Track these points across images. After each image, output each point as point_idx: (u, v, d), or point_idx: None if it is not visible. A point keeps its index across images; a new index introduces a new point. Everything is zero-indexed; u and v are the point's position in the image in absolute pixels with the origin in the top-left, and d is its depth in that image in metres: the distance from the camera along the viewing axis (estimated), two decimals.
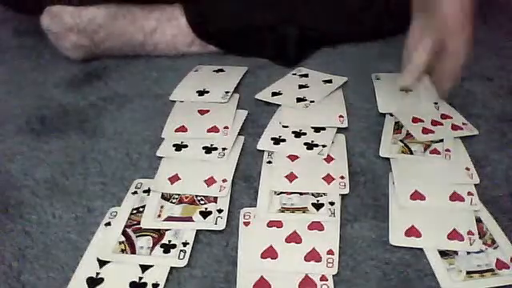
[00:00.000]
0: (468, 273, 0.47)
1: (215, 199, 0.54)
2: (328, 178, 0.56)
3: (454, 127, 0.64)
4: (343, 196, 0.55)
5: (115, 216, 0.53)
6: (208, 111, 0.67)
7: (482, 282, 0.46)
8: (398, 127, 0.64)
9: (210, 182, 0.56)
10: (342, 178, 0.56)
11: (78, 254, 0.49)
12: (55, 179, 0.58)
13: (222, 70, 0.77)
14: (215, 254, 0.49)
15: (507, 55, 0.80)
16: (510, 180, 0.57)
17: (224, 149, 0.60)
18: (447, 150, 0.60)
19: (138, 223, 0.52)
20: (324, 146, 0.60)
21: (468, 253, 0.49)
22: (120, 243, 0.50)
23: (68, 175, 0.59)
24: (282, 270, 0.47)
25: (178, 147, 0.61)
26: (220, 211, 0.53)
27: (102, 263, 0.48)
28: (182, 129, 0.64)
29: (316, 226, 0.51)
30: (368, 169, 0.59)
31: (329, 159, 0.59)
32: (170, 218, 0.52)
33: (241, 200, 0.55)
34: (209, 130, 0.63)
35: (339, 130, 0.64)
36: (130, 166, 0.60)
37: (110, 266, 0.48)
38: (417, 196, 0.54)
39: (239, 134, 0.64)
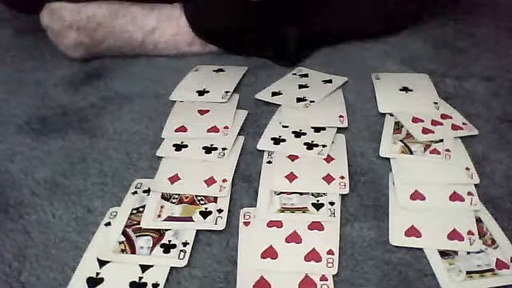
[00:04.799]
0: (468, 273, 0.47)
1: (215, 199, 0.54)
2: (328, 178, 0.56)
3: (454, 127, 0.64)
4: (343, 196, 0.55)
5: (115, 216, 0.53)
6: (208, 111, 0.67)
7: (482, 282, 0.46)
8: (398, 127, 0.64)
9: (210, 182, 0.56)
10: (342, 178, 0.56)
11: (78, 254, 0.49)
12: (55, 179, 0.58)
13: (221, 70, 0.77)
14: (215, 254, 0.49)
15: (507, 55, 0.80)
16: (510, 180, 0.57)
17: (224, 149, 0.60)
18: (447, 150, 0.60)
19: (138, 223, 0.52)
20: (324, 146, 0.60)
21: (468, 253, 0.49)
22: (120, 243, 0.50)
23: (68, 175, 0.59)
24: (282, 270, 0.47)
25: (178, 147, 0.61)
26: (220, 211, 0.53)
27: (101, 263, 0.48)
28: (182, 129, 0.64)
29: (316, 225, 0.51)
30: (368, 169, 0.59)
31: (329, 159, 0.59)
32: (169, 218, 0.52)
33: (241, 200, 0.55)
34: (209, 130, 0.63)
35: (339, 130, 0.64)
36: (130, 166, 0.60)
37: (109, 266, 0.48)
38: (417, 196, 0.54)
39: (239, 134, 0.64)
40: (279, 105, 0.68)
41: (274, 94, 0.71)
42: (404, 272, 0.47)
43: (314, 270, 0.47)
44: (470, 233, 0.50)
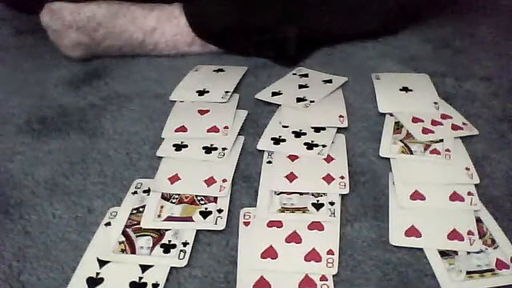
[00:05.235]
0: (468, 273, 0.47)
1: (215, 199, 0.54)
2: (328, 178, 0.56)
3: (454, 127, 0.64)
4: (343, 196, 0.55)
5: (115, 216, 0.53)
6: (208, 111, 0.67)
7: (481, 281, 0.46)
8: (398, 127, 0.64)
9: (210, 181, 0.56)
10: (342, 178, 0.56)
11: (78, 254, 0.49)
12: (55, 179, 0.58)
13: (221, 70, 0.77)
14: (215, 254, 0.49)
15: (507, 55, 0.80)
16: (510, 180, 0.57)
17: (224, 149, 0.60)
18: (447, 150, 0.60)
19: (138, 223, 0.52)
20: (324, 146, 0.60)
21: (468, 253, 0.49)
22: (120, 243, 0.50)
23: (68, 175, 0.59)
24: (282, 270, 0.47)
25: (178, 147, 0.61)
26: (220, 211, 0.53)
27: (102, 263, 0.48)
28: (182, 129, 0.64)
29: (316, 225, 0.51)
30: (368, 169, 0.59)
31: (329, 159, 0.59)
32: (169, 218, 0.52)
33: (241, 200, 0.55)
34: (209, 130, 0.63)
35: (339, 130, 0.64)
36: (130, 166, 0.60)
37: (109, 265, 0.48)
38: (417, 196, 0.54)
39: (239, 134, 0.64)
40: (279, 105, 0.68)
41: (273, 93, 0.71)
42: (404, 272, 0.47)
43: (313, 269, 0.47)
44: (469, 233, 0.50)
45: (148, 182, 0.57)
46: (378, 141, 0.62)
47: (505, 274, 0.47)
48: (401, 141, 0.62)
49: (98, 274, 0.47)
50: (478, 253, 0.48)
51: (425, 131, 0.63)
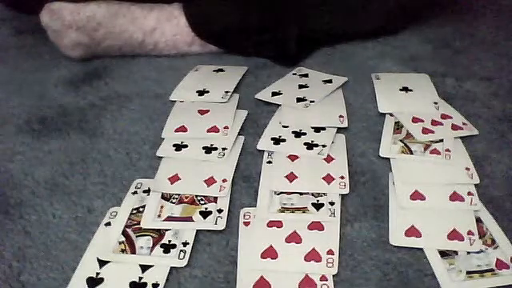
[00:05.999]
0: (468, 273, 0.47)
1: (215, 199, 0.54)
2: (328, 178, 0.56)
3: (454, 127, 0.64)
4: (343, 196, 0.55)
5: (115, 216, 0.53)
6: (208, 111, 0.67)
7: (481, 281, 0.46)
8: (398, 127, 0.64)
9: (209, 181, 0.56)
10: (342, 178, 0.56)
11: (78, 254, 0.49)
12: (55, 179, 0.58)
13: (221, 70, 0.77)
14: (215, 254, 0.49)
15: (507, 55, 0.80)
16: (510, 180, 0.57)
17: (224, 149, 0.60)
18: (447, 150, 0.60)
19: (138, 223, 0.52)
20: (324, 146, 0.60)
21: (468, 253, 0.49)
22: (120, 243, 0.50)
23: (68, 175, 0.59)
24: (282, 270, 0.47)
25: (178, 147, 0.61)
26: (220, 211, 0.53)
27: (102, 263, 0.48)
28: (182, 129, 0.64)
29: (316, 225, 0.51)
30: (368, 169, 0.59)
31: (329, 159, 0.59)
32: (169, 218, 0.52)
33: (241, 200, 0.55)
34: (209, 130, 0.63)
35: (339, 130, 0.64)
36: (130, 166, 0.60)
37: (110, 265, 0.48)
38: (417, 196, 0.54)
39: (239, 133, 0.64)
40: (279, 105, 0.68)
41: (273, 93, 0.71)
42: (404, 272, 0.47)
43: (313, 269, 0.47)
44: (469, 233, 0.50)
45: (148, 182, 0.57)
46: (378, 141, 0.62)
47: (505, 274, 0.47)
48: (401, 141, 0.62)
49: (98, 274, 0.47)
50: (477, 253, 0.48)
51: (425, 131, 0.63)
